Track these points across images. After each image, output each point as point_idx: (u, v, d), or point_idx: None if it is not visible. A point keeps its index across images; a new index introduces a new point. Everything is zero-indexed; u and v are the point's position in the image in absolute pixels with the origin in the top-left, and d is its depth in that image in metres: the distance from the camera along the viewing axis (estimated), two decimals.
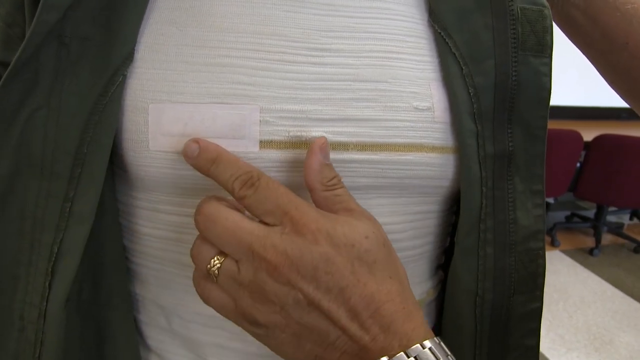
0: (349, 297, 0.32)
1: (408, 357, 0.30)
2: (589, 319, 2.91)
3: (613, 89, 0.55)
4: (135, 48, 0.37)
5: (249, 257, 0.33)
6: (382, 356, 0.31)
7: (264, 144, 0.37)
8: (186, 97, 0.36)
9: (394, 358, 0.30)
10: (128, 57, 0.36)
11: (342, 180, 0.38)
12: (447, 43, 0.42)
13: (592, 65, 0.54)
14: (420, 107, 0.40)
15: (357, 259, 0.33)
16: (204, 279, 0.35)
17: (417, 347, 0.31)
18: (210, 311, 0.41)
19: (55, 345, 0.37)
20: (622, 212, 4.37)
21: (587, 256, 3.80)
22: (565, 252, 3.82)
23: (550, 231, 3.97)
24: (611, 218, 4.30)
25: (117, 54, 0.36)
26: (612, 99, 4.10)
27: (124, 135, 0.37)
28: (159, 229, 0.41)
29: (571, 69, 3.83)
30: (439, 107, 0.41)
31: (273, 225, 0.33)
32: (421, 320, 0.33)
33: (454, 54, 0.41)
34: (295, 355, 0.34)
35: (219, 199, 0.35)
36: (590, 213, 4.23)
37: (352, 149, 0.38)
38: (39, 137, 0.36)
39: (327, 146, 0.36)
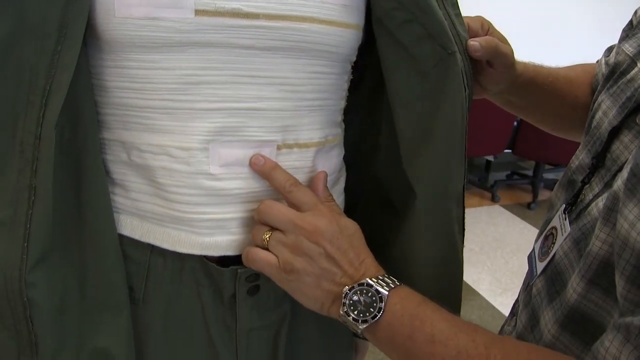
0: (347, 253, 0.56)
1: (374, 280, 0.55)
2: (523, 264, 3.16)
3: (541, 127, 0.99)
4: None
5: (293, 228, 0.56)
6: (362, 279, 0.55)
7: (198, 12, 0.51)
8: None
9: (366, 280, 0.55)
10: None
11: (255, 42, 0.53)
12: None
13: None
14: None
15: (350, 235, 0.58)
16: (255, 247, 0.58)
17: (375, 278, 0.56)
18: (157, 140, 0.55)
19: (46, 162, 0.51)
20: (559, 169, 4.50)
21: (525, 210, 4.07)
22: (504, 206, 4.08)
23: (492, 188, 4.21)
24: (549, 175, 4.48)
25: None
26: (553, 60, 4.26)
27: (96, 7, 0.51)
28: (122, 81, 0.54)
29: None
30: None
31: (306, 211, 0.57)
32: (377, 269, 0.57)
33: None
34: (314, 293, 0.56)
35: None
36: (530, 172, 4.48)
37: (262, 18, 0.53)
38: (32, 4, 0.49)
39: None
